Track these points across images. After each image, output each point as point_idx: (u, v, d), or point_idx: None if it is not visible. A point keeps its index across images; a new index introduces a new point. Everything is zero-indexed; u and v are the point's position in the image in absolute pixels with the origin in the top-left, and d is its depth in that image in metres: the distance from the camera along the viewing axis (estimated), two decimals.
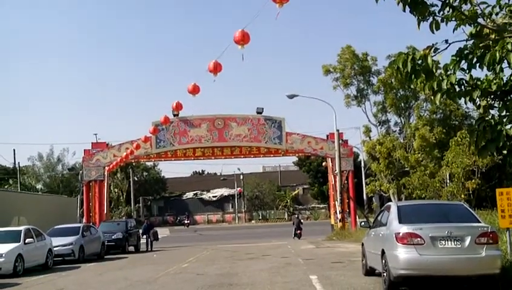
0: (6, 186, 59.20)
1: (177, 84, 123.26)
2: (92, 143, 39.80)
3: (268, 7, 10.58)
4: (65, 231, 25.27)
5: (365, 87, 40.66)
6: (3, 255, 18.48)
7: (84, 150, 37.79)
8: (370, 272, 13.19)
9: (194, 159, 40.87)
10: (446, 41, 7.18)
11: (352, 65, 39.87)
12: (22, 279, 17.53)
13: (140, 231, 33.01)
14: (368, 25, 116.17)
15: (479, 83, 7.55)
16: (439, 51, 7.18)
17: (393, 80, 36.55)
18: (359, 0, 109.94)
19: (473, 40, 7.47)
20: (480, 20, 7.51)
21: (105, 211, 37.35)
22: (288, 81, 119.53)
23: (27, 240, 19.92)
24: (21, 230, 20.50)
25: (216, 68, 14.53)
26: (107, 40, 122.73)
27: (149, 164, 74.05)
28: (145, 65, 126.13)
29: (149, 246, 31.88)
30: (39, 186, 66.27)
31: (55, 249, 22.47)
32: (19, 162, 62.85)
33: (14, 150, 68.37)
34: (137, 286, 14.50)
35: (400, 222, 10.92)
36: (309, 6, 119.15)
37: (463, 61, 7.29)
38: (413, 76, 7.14)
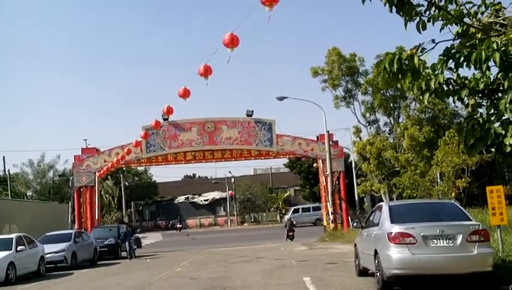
0: None
1: (168, 88, 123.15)
2: (82, 149, 39.86)
3: (258, 10, 10.60)
4: (57, 237, 25.15)
5: (353, 88, 40.75)
6: None
7: (74, 156, 37.76)
8: (363, 272, 13.21)
9: (185, 163, 40.96)
10: (433, 40, 7.23)
11: (340, 66, 39.94)
12: (14, 287, 17.45)
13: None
14: (358, 26, 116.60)
15: (466, 81, 7.60)
16: (426, 50, 7.22)
17: (379, 80, 36.57)
18: (349, 2, 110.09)
19: (459, 40, 7.53)
20: (466, 19, 7.56)
21: (96, 217, 37.25)
22: (278, 84, 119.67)
23: (19, 248, 19.80)
24: (12, 238, 20.35)
25: (206, 71, 14.52)
26: (99, 47, 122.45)
27: (140, 168, 73.87)
28: (136, 70, 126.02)
29: (131, 254, 28.60)
30: (29, 193, 65.88)
31: (47, 256, 22.36)
32: (9, 170, 62.61)
33: (4, 157, 67.98)
34: None
35: (392, 221, 10.95)
36: (298, 8, 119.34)
37: (450, 61, 7.33)
38: (400, 76, 7.18)
